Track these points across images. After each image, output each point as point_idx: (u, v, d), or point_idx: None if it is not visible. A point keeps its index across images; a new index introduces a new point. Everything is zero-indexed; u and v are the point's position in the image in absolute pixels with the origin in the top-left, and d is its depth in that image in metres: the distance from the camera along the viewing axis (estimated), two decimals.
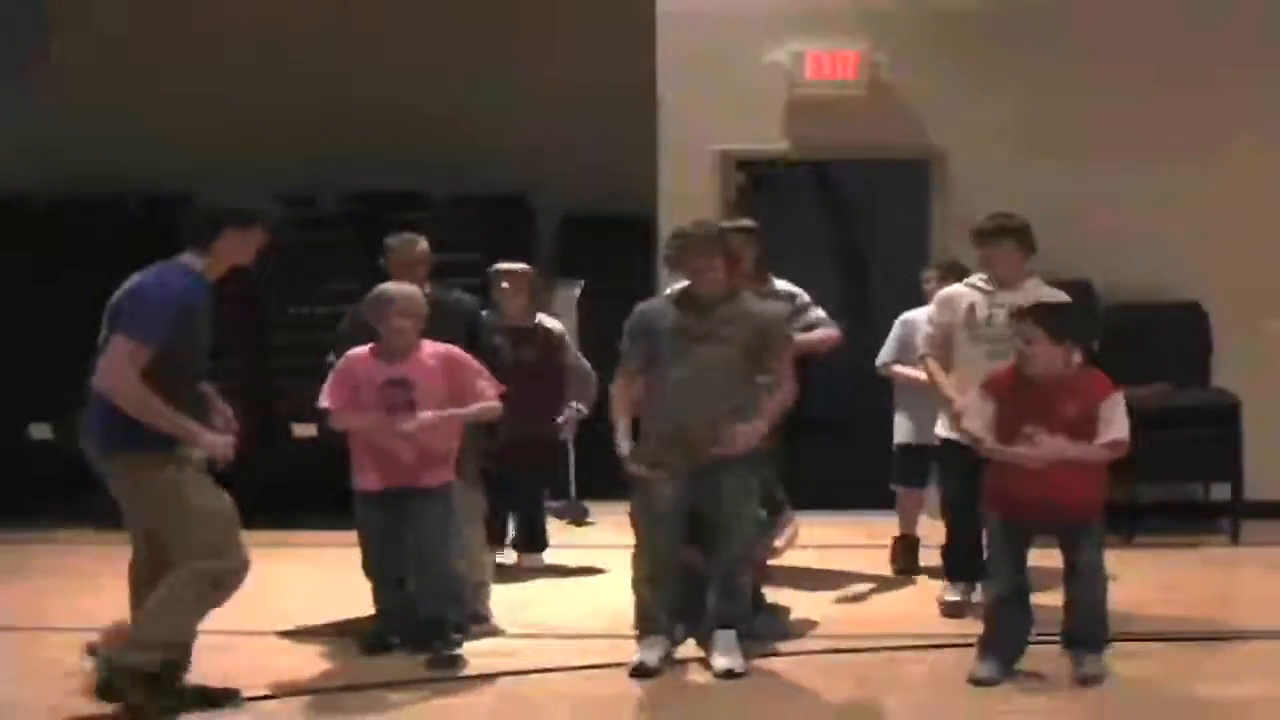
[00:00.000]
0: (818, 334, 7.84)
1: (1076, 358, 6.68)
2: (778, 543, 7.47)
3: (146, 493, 5.93)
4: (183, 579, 5.88)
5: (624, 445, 6.70)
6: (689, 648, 6.88)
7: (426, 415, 6.73)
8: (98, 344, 5.92)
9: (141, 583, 6.06)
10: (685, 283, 6.88)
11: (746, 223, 7.86)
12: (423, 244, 7.66)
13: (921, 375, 7.82)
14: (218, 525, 5.95)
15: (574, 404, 8.74)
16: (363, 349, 6.92)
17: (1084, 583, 6.49)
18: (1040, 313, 6.52)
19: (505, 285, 8.65)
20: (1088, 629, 6.51)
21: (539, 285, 8.96)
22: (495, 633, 7.31)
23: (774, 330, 6.82)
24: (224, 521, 5.99)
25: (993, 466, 6.52)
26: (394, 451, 6.78)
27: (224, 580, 5.94)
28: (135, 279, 5.97)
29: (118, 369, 5.76)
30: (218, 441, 5.99)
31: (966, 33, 10.20)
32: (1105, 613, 6.54)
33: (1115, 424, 6.33)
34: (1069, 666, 6.49)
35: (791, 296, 7.81)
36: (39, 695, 6.37)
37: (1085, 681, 6.40)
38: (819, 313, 7.90)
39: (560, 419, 8.71)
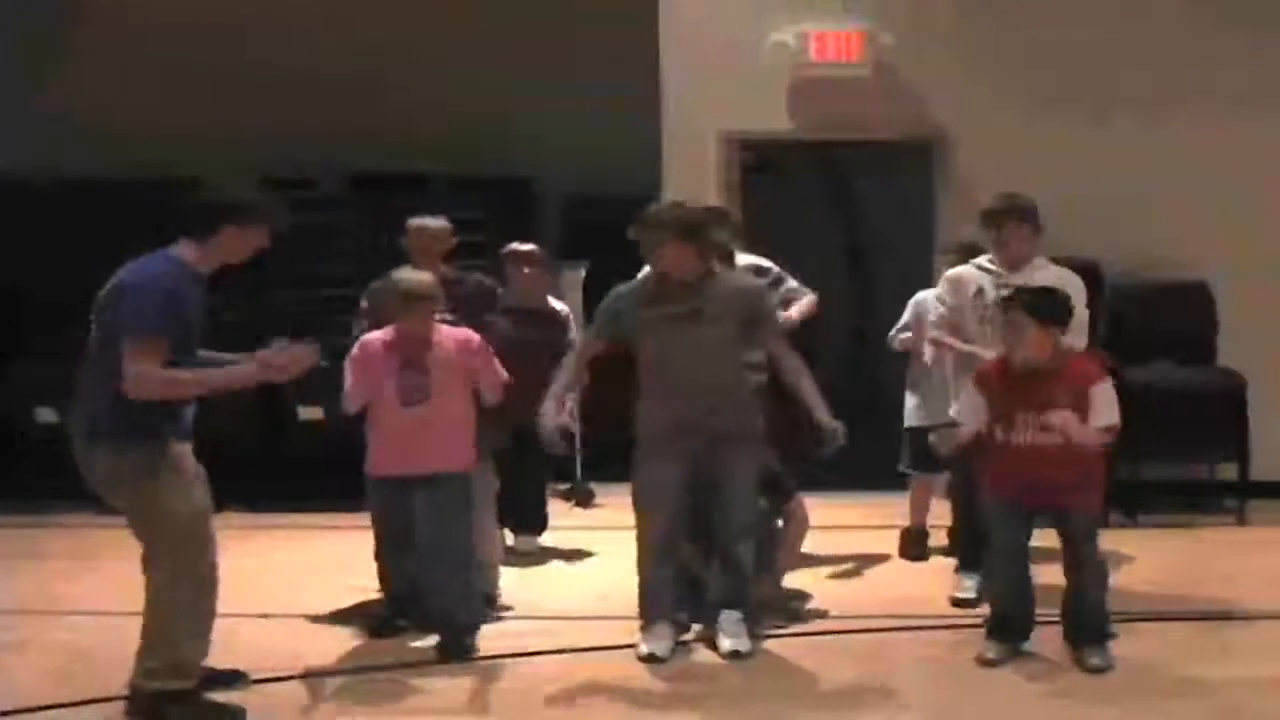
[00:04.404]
0: (796, 310, 7.84)
1: (1080, 342, 6.66)
2: (790, 539, 7.46)
3: (121, 484, 5.78)
4: (165, 593, 5.78)
5: (548, 408, 6.71)
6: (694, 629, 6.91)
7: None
8: (88, 338, 5.79)
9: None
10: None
11: (713, 204, 7.76)
12: (443, 225, 7.66)
13: (926, 346, 7.80)
14: (189, 526, 5.81)
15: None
16: (377, 335, 6.90)
17: (1084, 577, 6.48)
18: (1025, 298, 6.47)
19: (526, 269, 8.64)
20: (1089, 624, 6.51)
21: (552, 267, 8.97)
22: (503, 615, 7.33)
23: (761, 305, 6.81)
24: (196, 522, 5.84)
25: (990, 451, 6.53)
26: (410, 437, 6.75)
27: (200, 582, 5.84)
28: (119, 275, 5.78)
29: (142, 372, 5.59)
30: (275, 358, 5.85)
31: (971, 14, 10.17)
32: (1106, 606, 6.53)
33: (1105, 410, 6.30)
34: (1074, 655, 6.50)
35: (763, 270, 7.76)
36: (48, 678, 6.40)
37: (1092, 671, 6.39)
38: (791, 283, 7.85)
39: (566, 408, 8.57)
